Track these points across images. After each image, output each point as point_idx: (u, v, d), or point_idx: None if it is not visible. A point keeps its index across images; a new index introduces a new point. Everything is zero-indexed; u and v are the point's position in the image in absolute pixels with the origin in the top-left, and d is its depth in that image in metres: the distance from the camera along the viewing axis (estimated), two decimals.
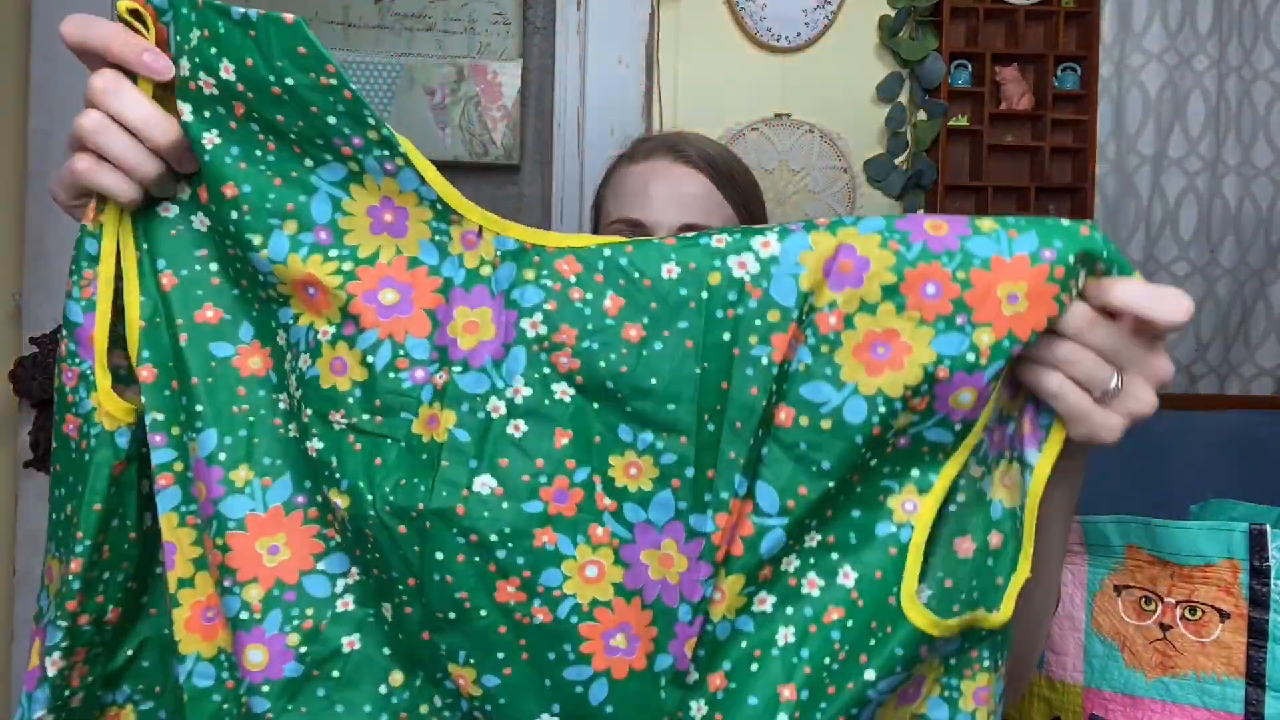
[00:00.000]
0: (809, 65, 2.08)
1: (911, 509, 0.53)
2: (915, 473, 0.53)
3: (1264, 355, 2.21)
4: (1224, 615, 0.74)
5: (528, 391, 0.52)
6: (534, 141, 1.80)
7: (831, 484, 0.52)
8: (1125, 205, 2.14)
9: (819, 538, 0.55)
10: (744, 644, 0.55)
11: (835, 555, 0.54)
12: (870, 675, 0.52)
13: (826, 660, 0.53)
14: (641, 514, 0.52)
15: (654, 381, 0.52)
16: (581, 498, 0.52)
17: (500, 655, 0.52)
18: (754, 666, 0.54)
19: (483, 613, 0.52)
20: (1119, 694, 0.78)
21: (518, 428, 0.52)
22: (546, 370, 0.53)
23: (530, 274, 0.53)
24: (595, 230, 1.06)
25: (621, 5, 1.72)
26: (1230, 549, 0.74)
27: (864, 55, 2.11)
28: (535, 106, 1.80)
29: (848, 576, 0.54)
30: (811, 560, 0.55)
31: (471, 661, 0.52)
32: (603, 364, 0.52)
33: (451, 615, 0.52)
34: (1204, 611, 0.75)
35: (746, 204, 1.02)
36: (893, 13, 2.07)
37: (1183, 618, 0.76)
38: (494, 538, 0.51)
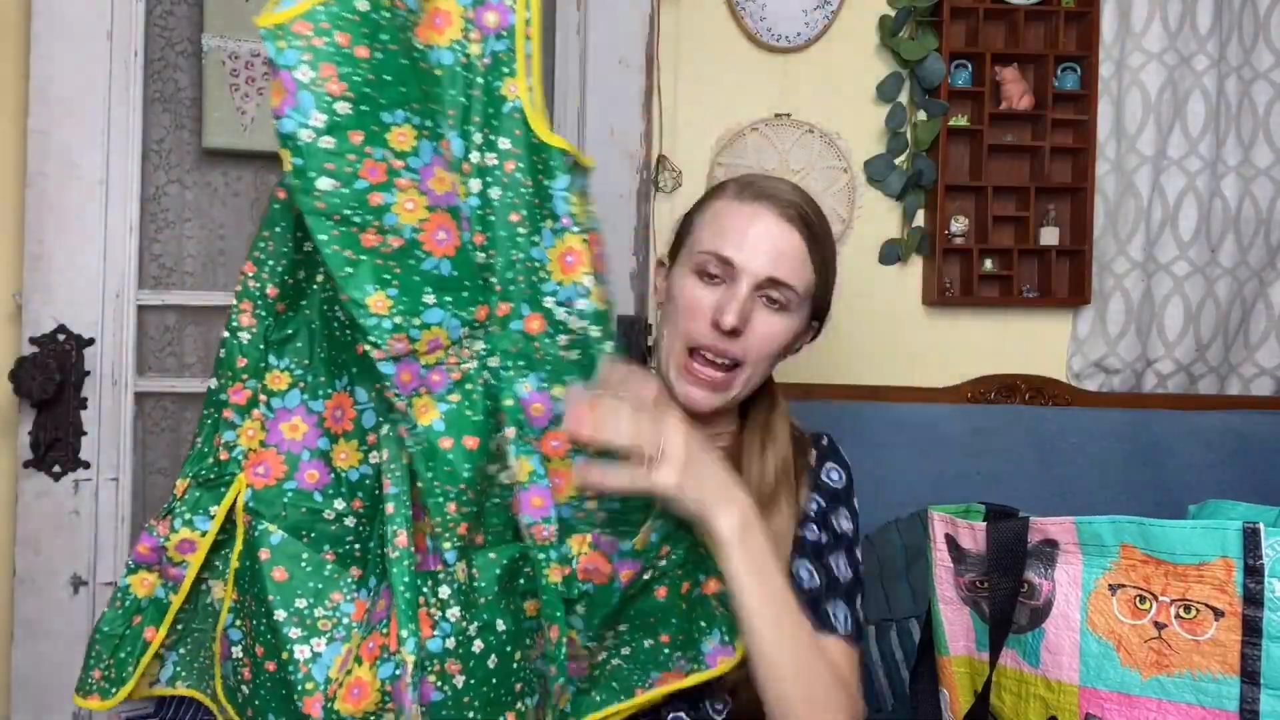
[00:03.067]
0: (809, 65, 2.09)
1: (514, 90, 0.87)
2: (504, 69, 0.87)
3: (1264, 355, 2.21)
4: (1218, 614, 0.74)
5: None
6: None
7: (464, 100, 0.86)
8: (1125, 205, 2.14)
9: (478, 140, 0.87)
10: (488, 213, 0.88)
11: (494, 155, 0.87)
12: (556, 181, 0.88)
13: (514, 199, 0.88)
14: (424, 159, 0.81)
15: (388, 79, 0.80)
16: (385, 173, 0.79)
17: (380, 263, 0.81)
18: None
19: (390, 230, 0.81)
20: (1114, 693, 0.78)
21: None
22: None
23: None
24: (680, 249, 1.14)
25: (621, 5, 1.72)
26: (1224, 548, 0.74)
27: (864, 55, 2.10)
28: None
29: (495, 160, 0.87)
30: (480, 162, 0.87)
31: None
32: (368, 77, 0.79)
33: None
34: (1198, 610, 0.75)
35: (825, 266, 1.09)
36: (893, 13, 2.06)
37: (1177, 616, 0.76)
38: (345, 207, 0.79)
